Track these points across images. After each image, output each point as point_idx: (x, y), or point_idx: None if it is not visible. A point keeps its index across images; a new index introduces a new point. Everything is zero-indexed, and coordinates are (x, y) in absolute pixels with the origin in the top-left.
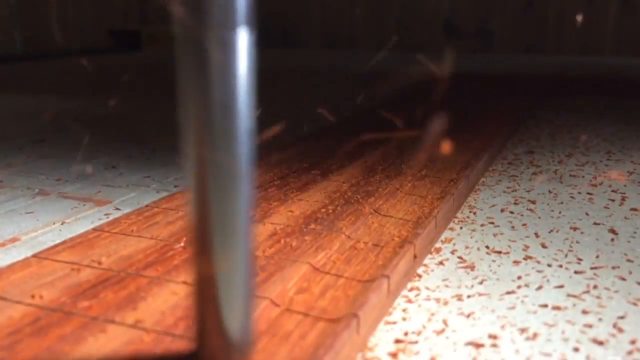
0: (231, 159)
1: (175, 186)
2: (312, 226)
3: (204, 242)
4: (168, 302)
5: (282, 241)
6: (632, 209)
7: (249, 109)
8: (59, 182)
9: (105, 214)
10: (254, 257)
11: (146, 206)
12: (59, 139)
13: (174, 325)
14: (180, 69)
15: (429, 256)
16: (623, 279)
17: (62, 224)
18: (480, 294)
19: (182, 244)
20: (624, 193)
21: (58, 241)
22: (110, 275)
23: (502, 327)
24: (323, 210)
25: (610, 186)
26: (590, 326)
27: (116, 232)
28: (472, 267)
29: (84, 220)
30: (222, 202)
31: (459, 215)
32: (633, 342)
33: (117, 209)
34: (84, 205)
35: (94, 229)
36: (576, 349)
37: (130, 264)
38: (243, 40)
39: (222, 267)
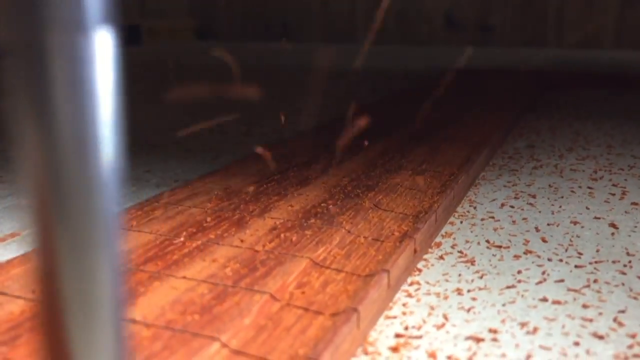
0: (88, 214)
1: (175, 181)
2: (312, 221)
3: (56, 329)
4: (168, 296)
5: (282, 236)
6: (632, 203)
7: (113, 139)
8: None
9: None
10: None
11: (146, 200)
12: None
13: (173, 320)
14: (10, 91)
15: (429, 250)
16: (623, 274)
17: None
18: (480, 289)
19: (182, 239)
20: (625, 187)
21: None
22: None
23: (502, 321)
24: (323, 204)
25: (610, 180)
26: (590, 320)
27: None
28: (473, 262)
29: None
30: (78, 277)
31: (459, 209)
32: (633, 336)
33: None
34: None
35: None
36: (576, 343)
37: (129, 259)
38: (99, 46)
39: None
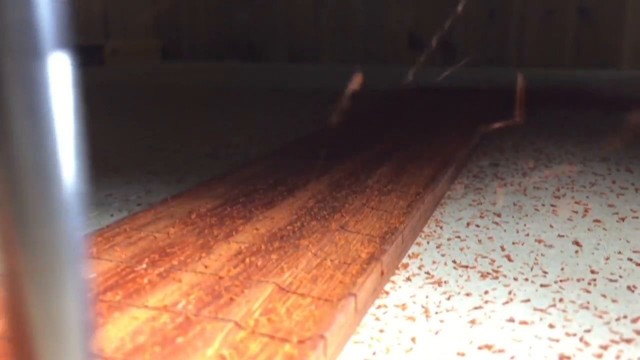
0: (50, 238)
1: (138, 204)
2: (278, 244)
3: (26, 354)
4: (128, 327)
5: (247, 260)
6: (595, 221)
7: (74, 163)
8: None
9: None
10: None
11: (107, 226)
12: None
13: (133, 353)
14: None
15: (397, 272)
16: (588, 292)
17: None
18: (447, 310)
19: (144, 266)
20: (587, 204)
21: None
22: None
23: (470, 343)
24: (289, 227)
25: (573, 198)
26: (557, 341)
27: None
28: (440, 283)
29: None
30: (44, 303)
31: (425, 229)
32: (599, 356)
33: None
34: None
35: None
36: None
37: (88, 289)
38: (55, 70)
39: None
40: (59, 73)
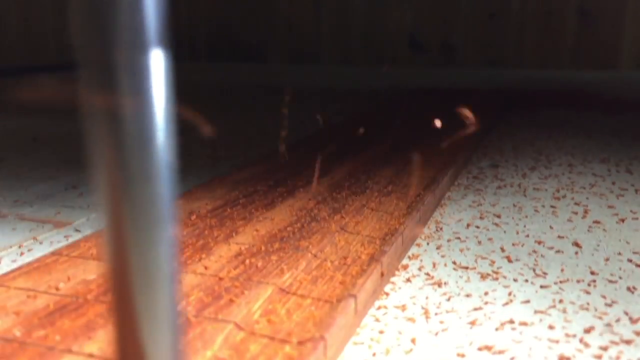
0: (150, 198)
1: None
2: (278, 245)
3: (124, 291)
4: None
5: (247, 261)
6: (594, 222)
7: (168, 138)
8: (16, 203)
9: (65, 236)
10: (180, 314)
11: None
12: (17, 159)
13: None
14: (85, 98)
15: (396, 273)
16: (588, 293)
17: (19, 247)
18: (447, 311)
19: None
20: (587, 206)
21: (15, 266)
22: (68, 301)
23: (470, 344)
24: (289, 228)
25: (573, 199)
26: (556, 342)
27: (75, 255)
28: (440, 284)
29: (42, 243)
30: (142, 247)
31: (425, 230)
32: (599, 357)
33: (77, 230)
34: (43, 227)
35: (52, 253)
36: None
37: (89, 290)
38: (156, 63)
39: (144, 318)
40: (158, 66)
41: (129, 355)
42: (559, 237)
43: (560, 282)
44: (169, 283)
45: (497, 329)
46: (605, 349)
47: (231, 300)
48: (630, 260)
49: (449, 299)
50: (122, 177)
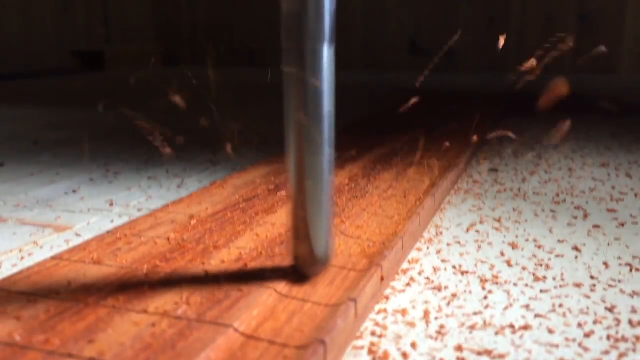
0: (319, 129)
1: (138, 210)
2: (278, 249)
3: (299, 189)
4: (128, 332)
5: (248, 266)
6: (594, 226)
7: (330, 95)
8: (17, 207)
9: (65, 240)
10: (332, 199)
11: (107, 232)
12: (18, 162)
13: (134, 357)
14: (285, 70)
15: (396, 277)
16: (587, 297)
17: (19, 251)
18: (447, 315)
19: (144, 271)
20: (586, 210)
21: (15, 270)
22: (69, 306)
23: (470, 348)
24: (289, 233)
25: (572, 203)
26: (556, 346)
27: (75, 260)
28: (439, 288)
29: (43, 247)
30: (313, 158)
31: (425, 234)
32: None
33: (77, 234)
34: (43, 231)
35: (52, 258)
36: None
37: (89, 294)
38: (328, 51)
39: (312, 206)
40: (328, 53)
41: (300, 228)
42: (559, 241)
43: (560, 286)
44: (326, 184)
45: (496, 333)
46: (605, 353)
47: (231, 305)
48: (629, 264)
49: (448, 303)
50: (304, 120)
